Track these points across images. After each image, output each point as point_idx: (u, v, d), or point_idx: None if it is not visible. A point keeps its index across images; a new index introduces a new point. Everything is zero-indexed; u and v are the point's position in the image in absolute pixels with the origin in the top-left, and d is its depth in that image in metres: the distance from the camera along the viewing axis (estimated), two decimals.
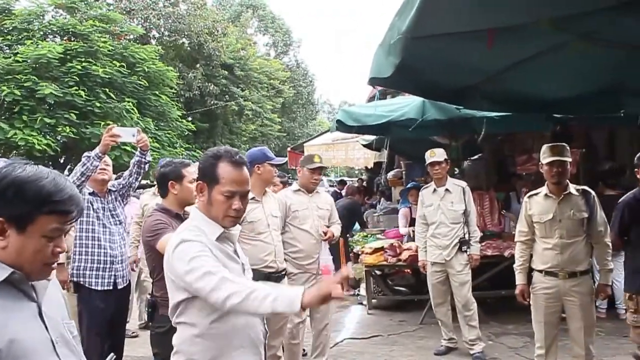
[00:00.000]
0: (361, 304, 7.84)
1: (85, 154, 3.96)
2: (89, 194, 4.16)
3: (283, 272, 4.49)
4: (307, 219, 4.88)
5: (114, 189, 4.38)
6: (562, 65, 4.51)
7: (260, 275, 3.94)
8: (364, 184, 13.99)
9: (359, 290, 8.23)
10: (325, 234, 4.93)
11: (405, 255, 6.81)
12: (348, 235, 8.90)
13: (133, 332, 6.06)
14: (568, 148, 4.18)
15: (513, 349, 5.71)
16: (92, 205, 4.16)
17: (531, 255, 4.34)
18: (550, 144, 4.24)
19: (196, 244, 2.13)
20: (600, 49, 4.08)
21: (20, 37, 16.39)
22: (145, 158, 4.27)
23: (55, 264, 1.57)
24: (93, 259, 4.11)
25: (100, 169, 4.13)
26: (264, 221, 4.33)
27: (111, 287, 4.15)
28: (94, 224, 4.15)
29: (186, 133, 20.34)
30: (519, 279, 4.36)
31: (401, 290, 7.57)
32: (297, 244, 4.84)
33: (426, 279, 5.90)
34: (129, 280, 4.44)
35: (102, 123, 14.98)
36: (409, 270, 7.42)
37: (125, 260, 4.36)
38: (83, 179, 3.90)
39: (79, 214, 1.57)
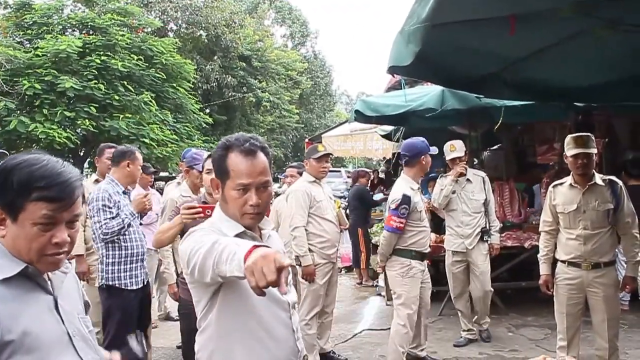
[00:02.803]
0: (380, 295, 7.82)
1: (125, 217, 3.94)
2: (123, 192, 4.12)
3: None
4: (327, 208, 4.96)
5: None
6: (584, 53, 4.42)
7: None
8: (379, 174, 13.85)
9: (377, 282, 8.21)
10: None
11: None
12: (366, 224, 8.88)
13: (152, 323, 6.09)
14: (593, 138, 4.10)
15: (533, 341, 5.64)
16: (125, 205, 4.06)
17: (556, 246, 4.27)
18: (574, 135, 4.16)
19: (198, 232, 1.90)
20: (623, 35, 3.98)
21: (40, 31, 16.57)
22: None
23: (62, 256, 1.51)
24: (127, 259, 4.04)
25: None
26: None
27: (143, 285, 4.16)
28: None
29: (204, 125, 20.42)
30: (543, 269, 4.30)
31: None
32: (325, 235, 4.94)
33: (445, 271, 5.88)
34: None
35: (121, 116, 15.11)
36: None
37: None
38: (116, 233, 3.93)
39: (70, 202, 1.48)
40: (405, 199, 4.50)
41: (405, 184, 4.63)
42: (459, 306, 5.75)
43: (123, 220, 3.91)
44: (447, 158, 5.64)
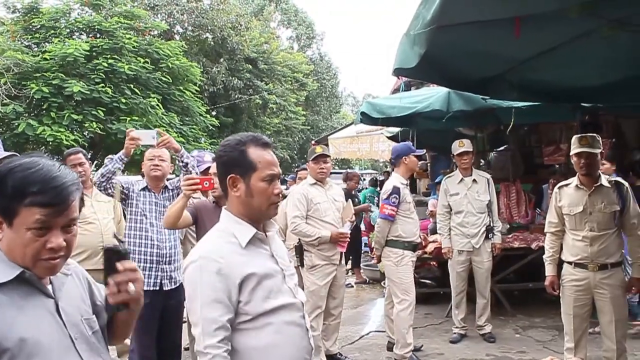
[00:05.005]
0: None
1: (110, 156, 3.93)
2: (141, 189, 4.05)
3: None
4: (328, 211, 4.99)
5: (170, 187, 4.20)
6: (591, 53, 4.41)
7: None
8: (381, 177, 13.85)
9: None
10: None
11: (430, 247, 6.77)
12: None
13: None
14: (599, 139, 4.09)
15: (541, 343, 5.63)
16: (139, 201, 4.03)
17: (561, 247, 4.26)
18: (579, 135, 4.16)
19: (209, 278, 1.86)
20: (630, 35, 3.96)
21: (47, 35, 16.61)
22: (183, 160, 4.03)
23: (58, 261, 1.49)
24: (140, 257, 3.93)
25: (154, 165, 4.05)
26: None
27: (157, 288, 3.95)
28: (142, 222, 3.99)
29: (210, 127, 20.45)
30: (549, 270, 4.29)
31: (427, 283, 7.51)
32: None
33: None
34: (182, 282, 3.98)
35: (128, 119, 15.17)
36: (434, 263, 7.37)
37: (178, 260, 4.12)
38: (103, 179, 3.94)
39: (64, 207, 1.46)
40: (395, 190, 5.07)
41: (396, 180, 5.20)
42: (458, 303, 5.92)
43: (107, 164, 3.98)
44: (455, 153, 5.85)
